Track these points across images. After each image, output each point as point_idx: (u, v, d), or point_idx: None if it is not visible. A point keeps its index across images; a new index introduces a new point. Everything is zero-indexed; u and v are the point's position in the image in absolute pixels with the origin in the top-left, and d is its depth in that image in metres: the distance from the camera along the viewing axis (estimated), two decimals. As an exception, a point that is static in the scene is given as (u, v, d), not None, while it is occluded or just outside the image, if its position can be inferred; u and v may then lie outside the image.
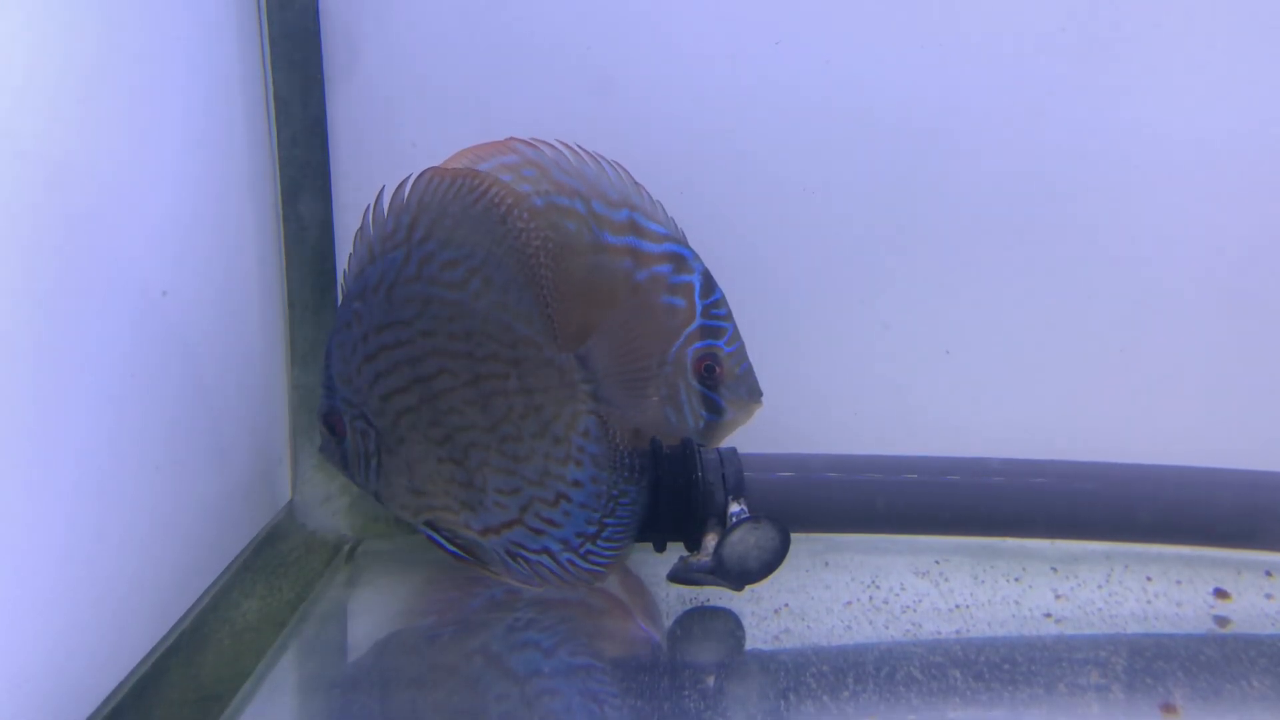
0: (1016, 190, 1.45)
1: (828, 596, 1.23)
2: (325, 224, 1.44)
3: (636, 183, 1.28)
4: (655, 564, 1.25)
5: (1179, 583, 1.28)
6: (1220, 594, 1.25)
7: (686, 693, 1.03)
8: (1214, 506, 1.29)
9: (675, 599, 1.23)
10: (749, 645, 1.16)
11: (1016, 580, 1.28)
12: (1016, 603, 1.23)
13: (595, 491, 1.16)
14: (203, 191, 1.22)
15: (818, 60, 1.43)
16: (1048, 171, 1.44)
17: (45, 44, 0.91)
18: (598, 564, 1.17)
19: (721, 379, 1.31)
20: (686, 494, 1.20)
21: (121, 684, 1.00)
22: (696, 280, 1.30)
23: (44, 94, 0.91)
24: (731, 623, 1.19)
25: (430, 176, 1.14)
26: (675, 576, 1.20)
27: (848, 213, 1.46)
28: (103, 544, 0.98)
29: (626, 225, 1.28)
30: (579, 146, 1.27)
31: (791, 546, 1.16)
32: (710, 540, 1.18)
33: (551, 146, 1.26)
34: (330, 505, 1.43)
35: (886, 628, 1.16)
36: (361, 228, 1.15)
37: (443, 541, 1.20)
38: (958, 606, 1.21)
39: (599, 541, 1.16)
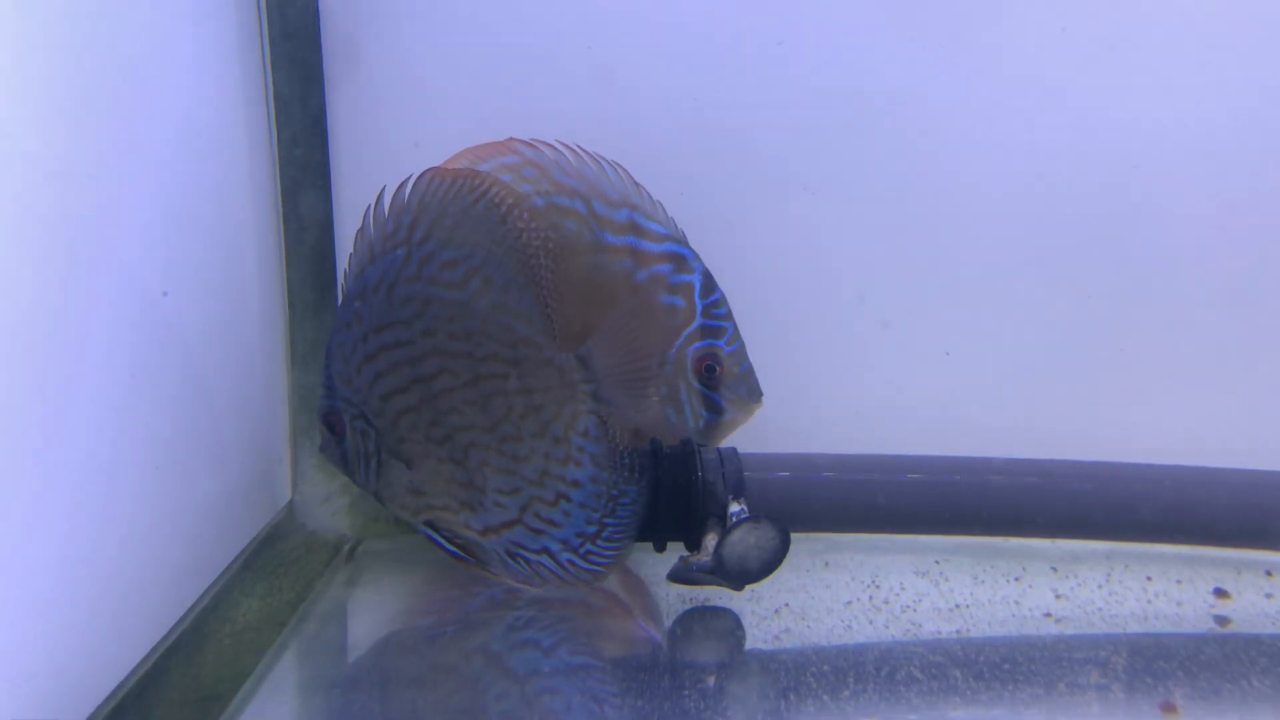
0: (1017, 190, 1.45)
1: (828, 596, 1.23)
2: (325, 224, 1.44)
3: (636, 183, 1.28)
4: (655, 564, 1.25)
5: (1179, 582, 1.28)
6: (1220, 594, 1.25)
7: (687, 692, 1.03)
8: (1214, 506, 1.29)
9: (675, 599, 1.23)
10: (749, 645, 1.16)
11: (1017, 580, 1.28)
12: (1017, 602, 1.23)
13: (595, 491, 1.16)
14: (203, 192, 1.22)
15: (818, 60, 1.43)
16: (1048, 171, 1.44)
17: (45, 44, 0.91)
18: (598, 564, 1.17)
19: (722, 379, 1.31)
20: (686, 494, 1.20)
21: (122, 684, 1.00)
22: (697, 280, 1.30)
23: (44, 94, 0.91)
24: (732, 622, 1.19)
25: (431, 176, 1.14)
26: (675, 576, 1.20)
27: (848, 212, 1.46)
28: (103, 544, 0.98)
29: (627, 225, 1.28)
30: (579, 147, 1.27)
31: (791, 546, 1.16)
32: (710, 540, 1.18)
33: (551, 147, 1.26)
34: (330, 505, 1.43)
35: (887, 627, 1.16)
36: (362, 227, 1.15)
37: (442, 541, 1.20)
38: (958, 606, 1.21)
39: (599, 541, 1.16)
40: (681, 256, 1.29)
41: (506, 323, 1.14)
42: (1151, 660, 1.10)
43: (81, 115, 0.97)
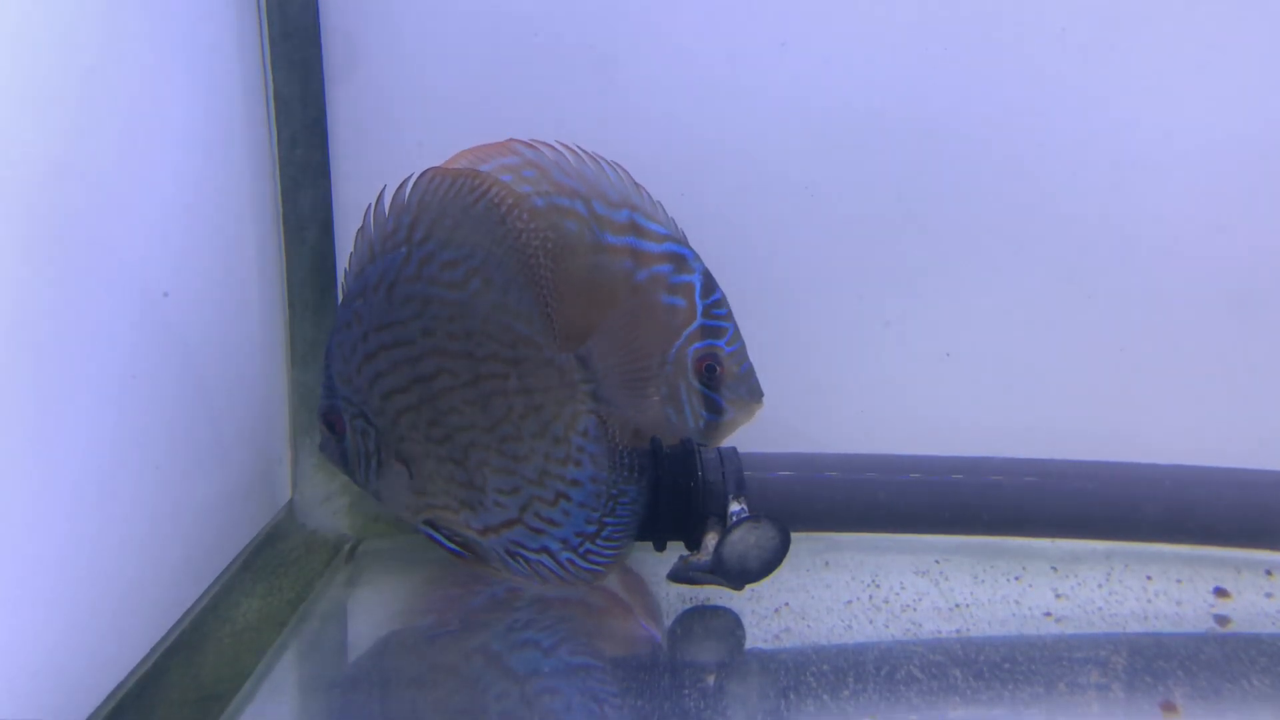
0: (1017, 190, 1.45)
1: (828, 595, 1.23)
2: (325, 224, 1.44)
3: (637, 183, 1.28)
4: (655, 563, 1.25)
5: (1179, 582, 1.28)
6: (1220, 593, 1.25)
7: (687, 692, 1.03)
8: (1214, 505, 1.29)
9: (675, 598, 1.23)
10: (749, 644, 1.16)
11: (1017, 579, 1.28)
12: (1017, 602, 1.23)
13: (595, 491, 1.16)
14: (203, 192, 1.22)
15: (819, 60, 1.43)
16: (1049, 171, 1.44)
17: (45, 44, 0.91)
18: (597, 563, 1.17)
19: (722, 379, 1.31)
20: (686, 493, 1.20)
21: (122, 684, 1.00)
22: (697, 280, 1.30)
23: (44, 95, 0.91)
24: (732, 622, 1.19)
25: (431, 176, 1.14)
26: (675, 576, 1.20)
27: (848, 212, 1.46)
28: (103, 544, 0.98)
29: (627, 226, 1.28)
30: (579, 148, 1.27)
31: (792, 545, 1.16)
32: (710, 539, 1.18)
33: (551, 148, 1.26)
34: (330, 504, 1.43)
35: (887, 627, 1.16)
36: (362, 227, 1.16)
37: (442, 539, 1.20)
38: (958, 605, 1.21)
39: (599, 540, 1.16)
40: (682, 256, 1.29)
41: (506, 322, 1.14)
42: (1151, 660, 1.10)
43: (81, 115, 0.97)
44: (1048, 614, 1.20)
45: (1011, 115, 1.43)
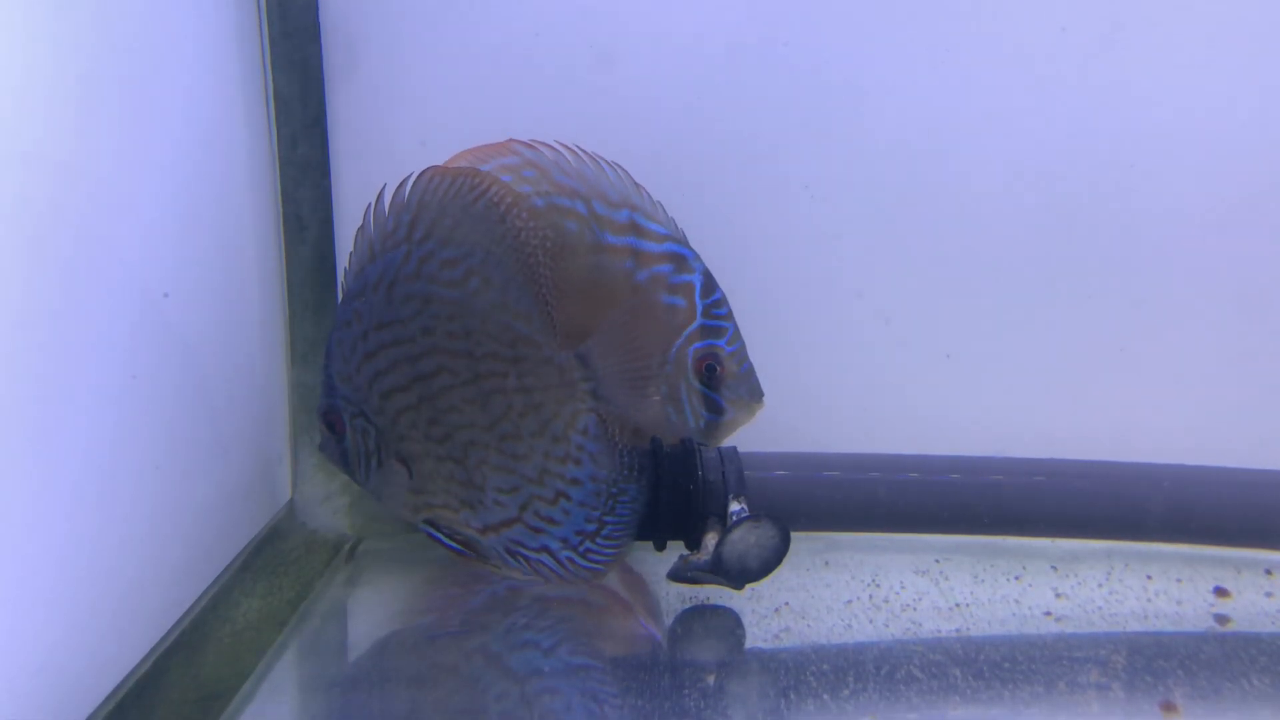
0: (1017, 190, 1.45)
1: (828, 595, 1.23)
2: (325, 223, 1.44)
3: (636, 183, 1.28)
4: (655, 562, 1.25)
5: (1179, 581, 1.28)
6: (1220, 592, 1.25)
7: (687, 691, 1.03)
8: (1214, 505, 1.29)
9: (675, 597, 1.23)
10: (749, 644, 1.16)
11: (1017, 579, 1.28)
12: (1017, 601, 1.23)
13: (595, 490, 1.16)
14: (203, 192, 1.22)
15: (819, 59, 1.43)
16: (1048, 171, 1.44)
17: (45, 44, 0.91)
18: (597, 562, 1.17)
19: (722, 379, 1.31)
20: (687, 492, 1.20)
21: (122, 684, 1.00)
22: (697, 280, 1.30)
23: (44, 95, 0.91)
24: (732, 621, 1.19)
25: (431, 175, 1.14)
26: (675, 575, 1.20)
27: (848, 212, 1.46)
28: (103, 544, 0.98)
29: (627, 225, 1.28)
30: (579, 148, 1.27)
31: (792, 545, 1.16)
32: (710, 539, 1.18)
33: (551, 148, 1.26)
34: (330, 504, 1.43)
35: (887, 626, 1.16)
36: (362, 226, 1.16)
37: (442, 537, 1.20)
38: (958, 605, 1.21)
39: (598, 539, 1.16)
40: (682, 256, 1.29)
41: (506, 321, 1.14)
42: (1151, 659, 1.10)
43: (81, 115, 0.97)
44: (1048, 613, 1.20)
45: (1012, 114, 1.43)
